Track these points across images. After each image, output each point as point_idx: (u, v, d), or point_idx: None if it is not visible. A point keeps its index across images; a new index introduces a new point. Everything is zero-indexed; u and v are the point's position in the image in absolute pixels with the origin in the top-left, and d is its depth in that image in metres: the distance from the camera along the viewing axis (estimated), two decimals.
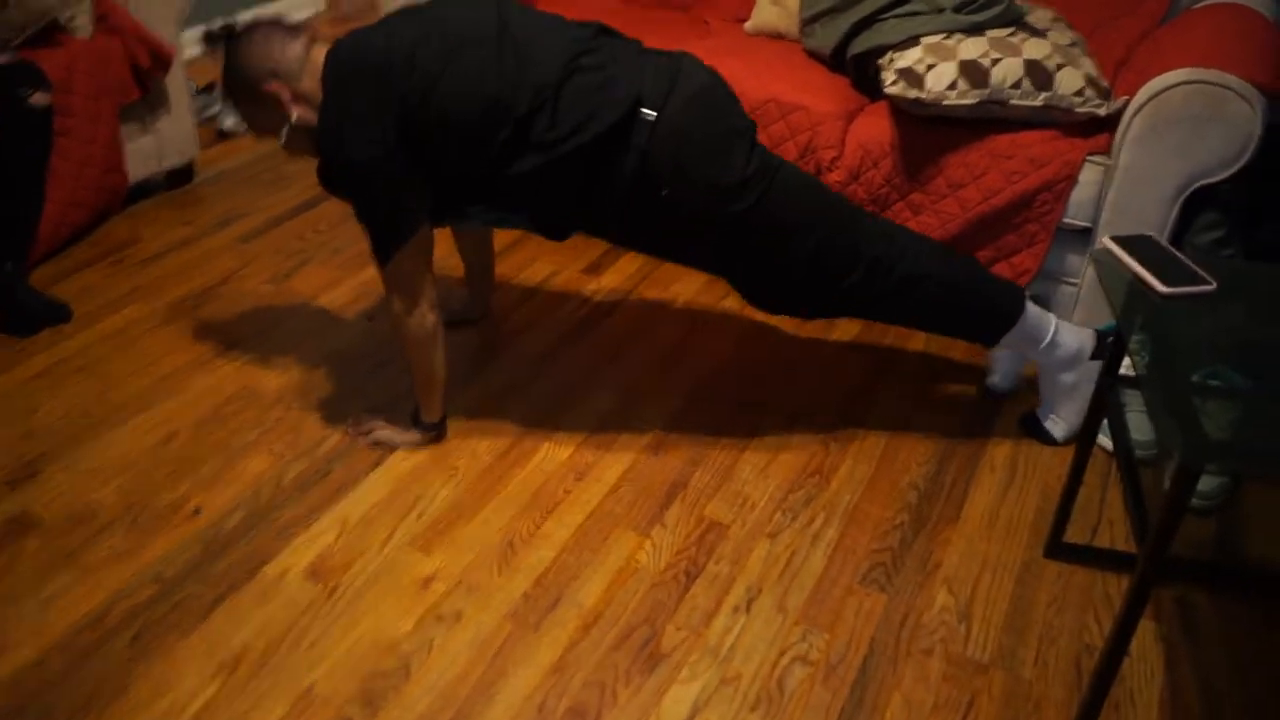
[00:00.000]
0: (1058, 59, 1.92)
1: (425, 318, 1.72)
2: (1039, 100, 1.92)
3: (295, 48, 1.65)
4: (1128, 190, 1.89)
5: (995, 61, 1.92)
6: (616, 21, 2.66)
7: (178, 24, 2.60)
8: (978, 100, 1.93)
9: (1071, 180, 1.93)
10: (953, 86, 1.93)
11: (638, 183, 1.61)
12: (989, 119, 1.98)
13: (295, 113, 1.65)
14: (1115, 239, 1.40)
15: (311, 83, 1.65)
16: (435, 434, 1.88)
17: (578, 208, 1.67)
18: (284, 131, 1.67)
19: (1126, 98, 1.91)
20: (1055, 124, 1.97)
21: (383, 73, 1.55)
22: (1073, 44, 1.99)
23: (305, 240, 2.56)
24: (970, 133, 2.00)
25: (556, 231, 1.75)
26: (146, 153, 2.61)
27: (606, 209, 1.66)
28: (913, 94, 1.94)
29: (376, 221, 1.63)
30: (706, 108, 1.61)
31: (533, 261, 2.48)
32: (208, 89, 3.23)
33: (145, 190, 2.75)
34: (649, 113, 1.58)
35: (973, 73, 1.92)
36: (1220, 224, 1.89)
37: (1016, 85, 1.92)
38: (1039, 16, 2.07)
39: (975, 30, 1.98)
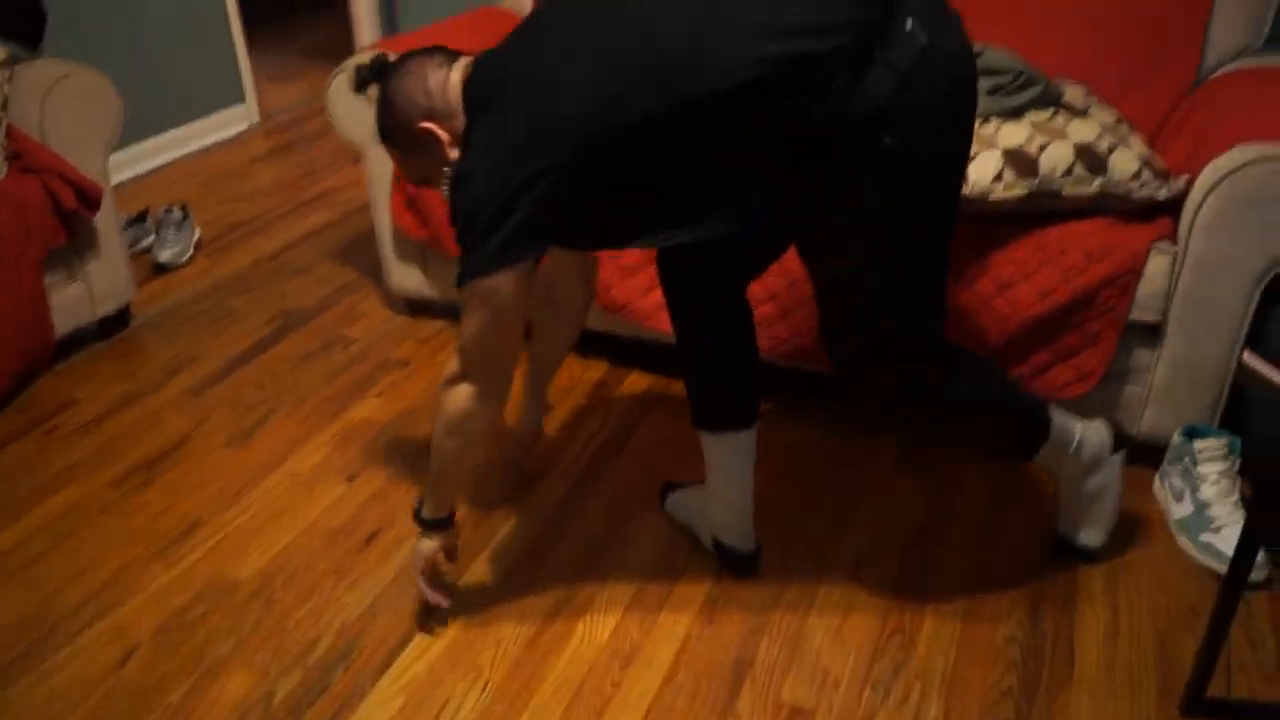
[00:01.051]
0: (1109, 140, 1.75)
1: (463, 394, 1.41)
2: (1094, 187, 1.74)
3: (448, 77, 1.39)
4: (1202, 280, 1.71)
5: (1043, 148, 1.74)
6: None
7: (106, 153, 2.32)
8: (1027, 192, 1.75)
9: (1137, 273, 1.74)
10: (999, 178, 1.74)
11: (872, 120, 1.24)
12: (1038, 211, 1.79)
13: (453, 155, 1.40)
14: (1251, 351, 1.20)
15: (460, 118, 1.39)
16: (440, 532, 1.56)
17: (782, 161, 1.30)
18: (446, 176, 1.40)
19: (1188, 177, 1.74)
20: (1110, 211, 1.79)
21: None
22: (1119, 121, 1.83)
23: (264, 389, 2.27)
24: (1016, 226, 1.81)
25: (745, 214, 1.35)
26: (75, 301, 2.31)
27: (819, 158, 1.29)
28: None
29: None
30: (967, 66, 1.31)
31: None
32: (139, 218, 2.94)
33: (76, 343, 2.43)
34: (918, 32, 1.23)
35: (1020, 162, 1.74)
36: None
37: (1068, 172, 1.74)
38: (1074, 94, 1.91)
39: (1014, 114, 1.80)
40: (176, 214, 2.87)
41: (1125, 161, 1.74)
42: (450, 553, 1.61)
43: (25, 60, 2.25)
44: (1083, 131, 1.76)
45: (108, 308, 2.41)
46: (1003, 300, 1.82)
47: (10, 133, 2.16)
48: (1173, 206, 1.78)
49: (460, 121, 1.38)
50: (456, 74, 1.40)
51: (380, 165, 2.33)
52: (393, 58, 1.47)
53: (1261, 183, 1.62)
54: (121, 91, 3.40)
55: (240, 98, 3.93)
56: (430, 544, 1.56)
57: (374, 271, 2.78)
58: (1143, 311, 1.78)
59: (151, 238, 2.93)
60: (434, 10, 3.17)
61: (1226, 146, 1.68)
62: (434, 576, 1.68)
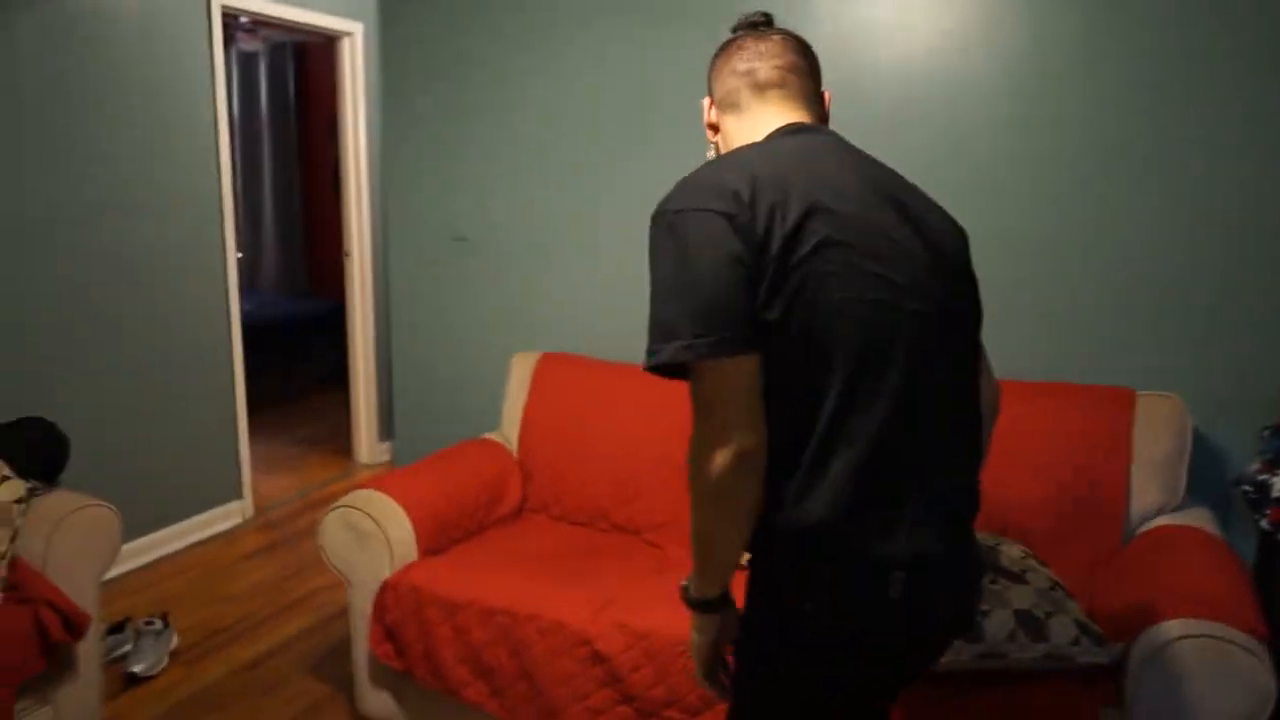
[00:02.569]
0: (1046, 606, 1.87)
1: (726, 455, 1.22)
2: (1038, 652, 1.84)
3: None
4: None
5: (985, 614, 1.85)
6: (569, 547, 2.58)
7: (98, 581, 2.42)
8: (975, 655, 1.84)
9: None
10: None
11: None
12: (989, 670, 1.87)
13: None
14: None
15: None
16: (711, 612, 1.36)
17: None
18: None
19: (1124, 645, 1.84)
20: (1059, 673, 1.87)
21: None
22: (1053, 587, 1.96)
23: None
24: (966, 689, 1.88)
25: None
26: None
27: None
28: None
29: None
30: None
31: None
32: (118, 627, 2.98)
33: None
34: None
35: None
36: None
37: (1011, 638, 1.84)
38: (1011, 554, 2.06)
39: None
40: (156, 624, 2.92)
41: (1063, 627, 1.84)
42: (726, 637, 1.39)
43: (43, 493, 2.41)
44: (1021, 598, 1.88)
45: None
46: None
47: (14, 563, 2.27)
48: (1120, 670, 1.86)
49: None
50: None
51: (361, 596, 2.43)
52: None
53: (1194, 657, 1.72)
54: (123, 492, 3.58)
55: (238, 494, 4.12)
56: (704, 632, 1.37)
57: (347, 685, 2.78)
58: None
59: (129, 646, 2.95)
60: (426, 424, 3.42)
61: (1154, 614, 1.80)
62: (714, 670, 1.43)
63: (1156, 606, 1.84)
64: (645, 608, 2.17)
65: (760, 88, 1.42)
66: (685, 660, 2.06)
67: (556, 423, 2.87)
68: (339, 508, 2.45)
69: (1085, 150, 2.48)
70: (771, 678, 1.34)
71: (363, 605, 2.43)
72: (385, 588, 2.37)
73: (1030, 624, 1.84)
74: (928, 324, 1.29)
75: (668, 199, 1.31)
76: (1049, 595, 1.91)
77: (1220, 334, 2.41)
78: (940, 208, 1.40)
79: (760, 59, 1.42)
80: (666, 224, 1.28)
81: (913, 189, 1.39)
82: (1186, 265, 2.42)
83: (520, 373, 2.99)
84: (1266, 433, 2.30)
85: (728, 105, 1.46)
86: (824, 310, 1.23)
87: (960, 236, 1.41)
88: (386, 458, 4.92)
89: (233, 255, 4.00)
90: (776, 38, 1.44)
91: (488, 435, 3.00)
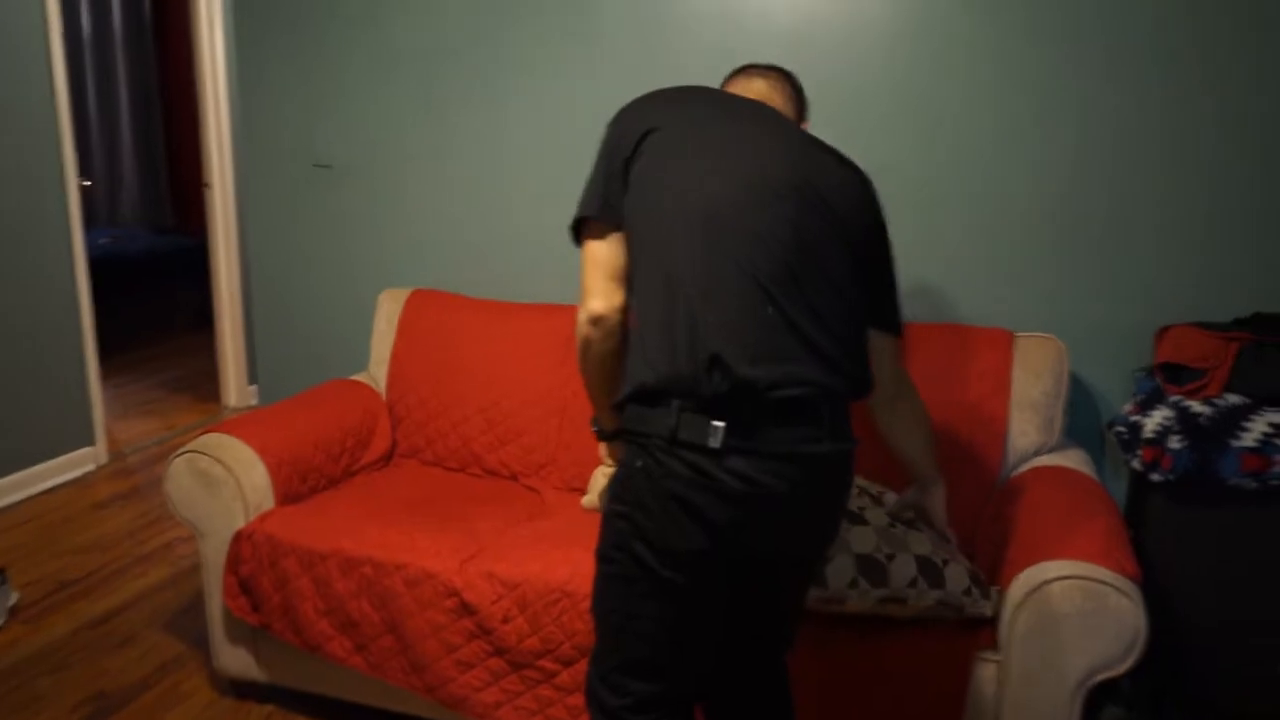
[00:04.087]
0: (942, 553, 1.84)
1: (583, 315, 1.52)
2: (932, 599, 1.81)
3: None
4: (1024, 690, 1.76)
5: (890, 557, 1.81)
6: (441, 493, 2.46)
7: None
8: (879, 599, 1.80)
9: (966, 687, 1.78)
10: (854, 584, 1.79)
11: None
12: (876, 615, 1.84)
13: None
14: None
15: None
16: (606, 440, 1.70)
17: None
18: None
19: (999, 589, 1.83)
20: (939, 622, 1.85)
21: None
22: (944, 536, 1.93)
23: None
24: (850, 638, 1.85)
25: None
26: None
27: None
28: (814, 592, 1.79)
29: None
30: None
31: None
32: None
33: None
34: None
35: (871, 570, 1.80)
36: (1126, 718, 1.76)
37: (913, 584, 1.80)
38: (890, 498, 2.03)
39: (858, 519, 1.89)
40: None
41: (958, 577, 1.82)
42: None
43: None
44: (919, 544, 1.84)
45: None
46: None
47: None
48: (995, 619, 1.85)
49: None
50: None
51: (214, 547, 2.26)
52: None
53: (1066, 599, 1.71)
54: None
55: (89, 439, 3.84)
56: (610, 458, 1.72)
57: (204, 642, 2.61)
58: None
59: None
60: (291, 365, 3.22)
61: (1028, 556, 1.79)
62: None
63: (1032, 548, 1.83)
64: (517, 556, 2.07)
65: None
66: (559, 609, 1.97)
67: (426, 363, 2.72)
68: (185, 453, 2.26)
69: (960, 85, 2.43)
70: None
71: (215, 557, 2.26)
72: (239, 538, 2.20)
73: (930, 570, 1.81)
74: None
75: None
76: (941, 544, 1.88)
77: (1094, 276, 2.42)
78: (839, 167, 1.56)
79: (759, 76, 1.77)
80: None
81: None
82: (1064, 206, 2.41)
83: (388, 310, 2.82)
84: (1140, 374, 2.33)
85: None
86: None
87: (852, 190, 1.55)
88: (255, 401, 4.67)
89: (74, 182, 3.67)
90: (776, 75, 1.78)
91: (356, 376, 2.83)
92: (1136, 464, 2.19)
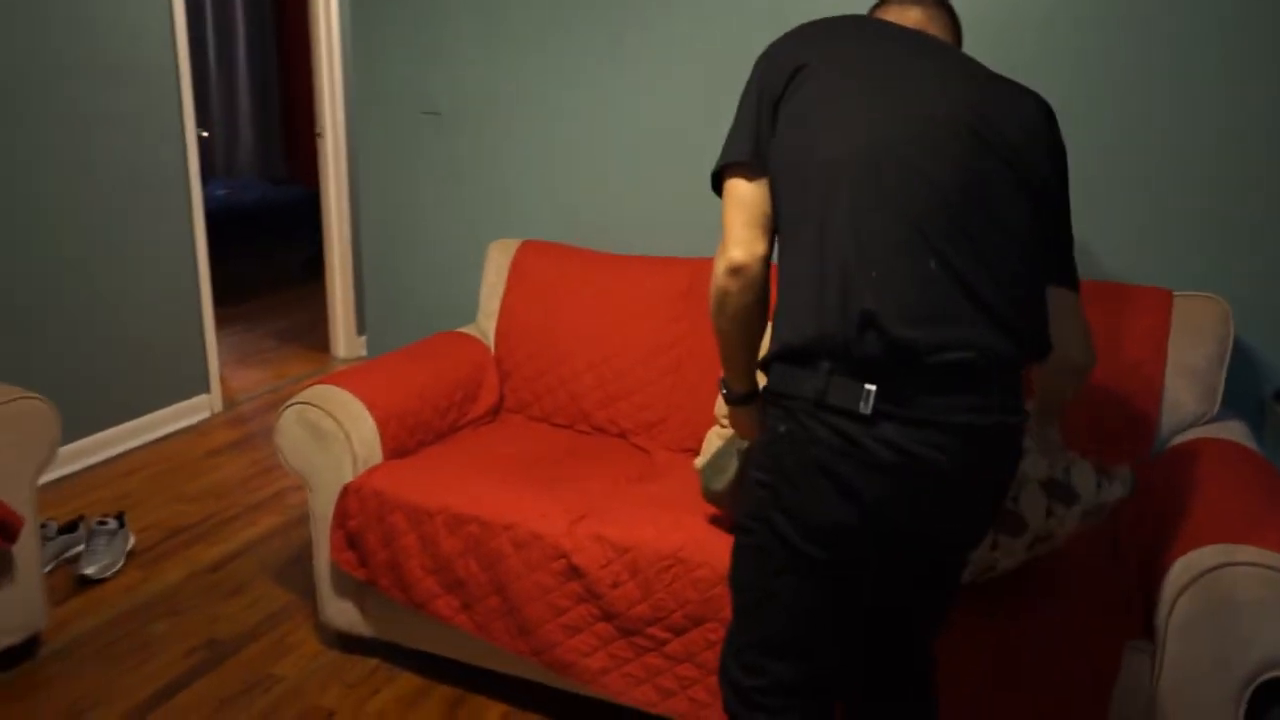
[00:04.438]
0: (1060, 463, 1.68)
1: (721, 265, 1.38)
2: (1077, 515, 1.67)
3: None
4: (1181, 687, 1.59)
5: (1014, 499, 1.65)
6: (548, 450, 2.39)
7: (35, 481, 2.22)
8: (1026, 546, 1.66)
9: (1113, 679, 1.62)
10: (994, 545, 1.66)
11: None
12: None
13: None
14: None
15: None
16: (741, 405, 1.56)
17: None
18: None
19: (1127, 467, 1.71)
20: (1080, 600, 1.69)
21: None
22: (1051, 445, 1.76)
23: None
24: (979, 627, 1.71)
25: None
26: None
27: None
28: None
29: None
30: None
31: None
32: (70, 527, 2.80)
33: None
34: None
35: (1003, 522, 1.65)
36: None
37: (1050, 513, 1.65)
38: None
39: None
40: (111, 524, 2.74)
41: (1084, 477, 1.67)
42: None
43: None
44: (1036, 469, 1.68)
45: (12, 638, 2.22)
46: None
47: None
48: (1144, 602, 1.69)
49: None
50: None
51: (323, 500, 2.24)
52: None
53: (1240, 587, 1.53)
54: (80, 386, 3.37)
55: (205, 388, 3.91)
56: (739, 425, 1.60)
57: (312, 594, 2.62)
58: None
59: (81, 546, 2.78)
60: (400, 317, 3.19)
61: (1193, 538, 1.61)
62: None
63: (1194, 529, 1.66)
64: (627, 519, 1.98)
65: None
66: (671, 575, 1.88)
67: (536, 316, 2.64)
68: (295, 404, 2.24)
69: (1132, 45, 2.20)
70: None
71: (324, 510, 2.25)
72: (346, 492, 2.17)
73: (1057, 490, 1.65)
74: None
75: None
76: (1052, 451, 1.71)
77: (1264, 236, 2.18)
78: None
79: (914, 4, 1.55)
80: None
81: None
82: (1231, 164, 2.17)
83: (498, 262, 2.75)
84: None
85: None
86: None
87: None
88: (364, 352, 4.71)
89: (193, 134, 3.70)
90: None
91: (463, 329, 2.78)
92: None
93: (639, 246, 2.73)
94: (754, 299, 1.38)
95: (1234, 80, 2.15)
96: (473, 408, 2.59)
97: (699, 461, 2.26)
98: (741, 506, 1.42)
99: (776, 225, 1.39)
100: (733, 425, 1.63)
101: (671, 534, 1.91)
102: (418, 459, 2.30)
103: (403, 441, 2.33)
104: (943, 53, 1.41)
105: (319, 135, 4.45)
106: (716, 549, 1.87)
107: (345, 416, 2.22)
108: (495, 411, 2.66)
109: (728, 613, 1.81)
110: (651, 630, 1.91)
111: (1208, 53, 2.16)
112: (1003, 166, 1.30)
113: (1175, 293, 2.15)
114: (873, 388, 1.24)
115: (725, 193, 1.40)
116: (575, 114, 2.79)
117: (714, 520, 1.98)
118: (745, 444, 1.78)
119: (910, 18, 1.52)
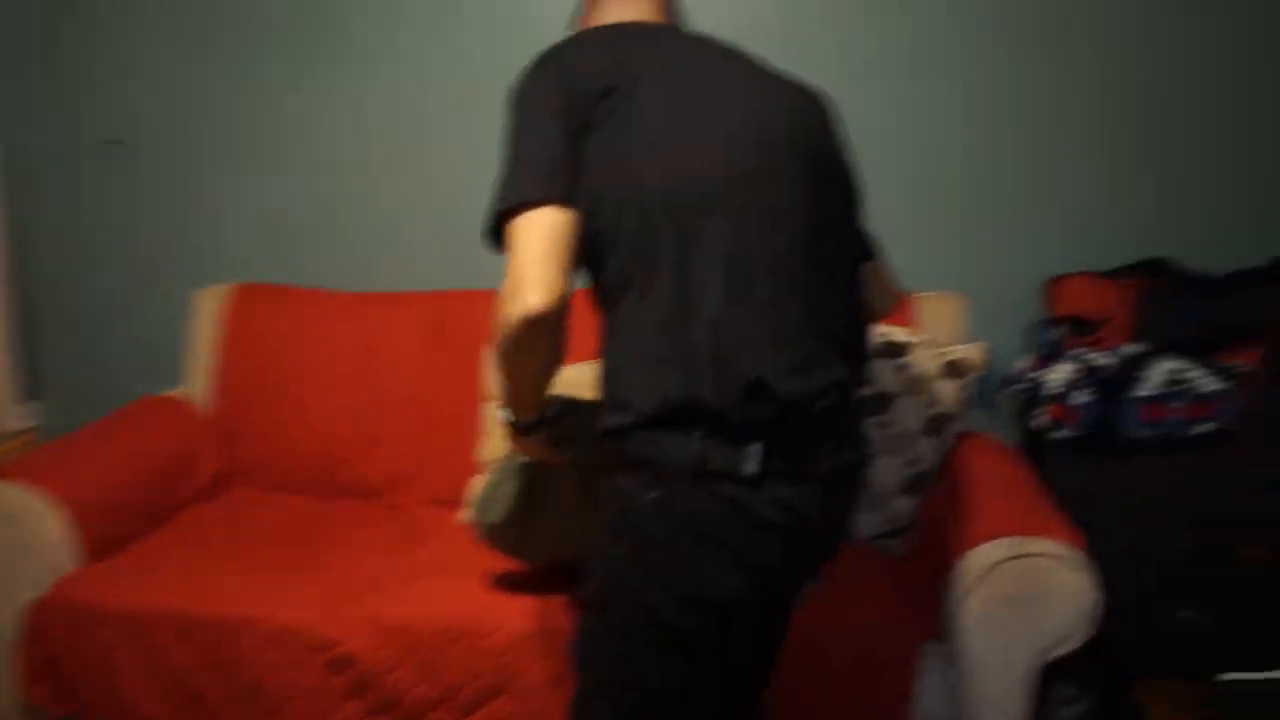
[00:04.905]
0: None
1: (515, 313, 1.15)
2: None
3: None
4: (978, 678, 1.62)
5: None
6: (289, 523, 2.11)
7: None
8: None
9: (913, 680, 1.63)
10: None
11: None
12: None
13: None
14: None
15: None
16: (531, 435, 1.40)
17: None
18: None
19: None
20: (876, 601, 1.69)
21: None
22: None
23: None
24: None
25: None
26: None
27: None
28: None
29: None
30: None
31: None
32: None
33: None
34: None
35: None
36: (1078, 697, 1.67)
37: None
38: None
39: None
40: None
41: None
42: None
43: None
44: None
45: None
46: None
47: None
48: (931, 600, 1.71)
49: None
50: None
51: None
52: None
53: (1019, 580, 1.58)
54: None
55: None
56: (532, 453, 1.48)
57: None
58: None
59: None
60: (86, 380, 2.72)
61: (969, 535, 1.66)
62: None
63: (970, 526, 1.70)
64: (397, 593, 1.77)
65: None
66: (458, 649, 1.69)
67: (261, 369, 2.33)
68: None
69: (847, 39, 2.28)
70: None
71: (3, 633, 1.83)
72: (37, 609, 1.78)
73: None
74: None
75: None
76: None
77: (982, 230, 2.34)
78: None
79: None
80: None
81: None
82: (952, 162, 2.32)
83: (208, 310, 2.39)
84: (1050, 328, 2.22)
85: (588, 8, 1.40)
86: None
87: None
88: (32, 423, 4.01)
89: None
90: None
91: (170, 393, 2.39)
92: (1041, 421, 2.12)
93: (376, 282, 2.47)
94: (552, 344, 1.21)
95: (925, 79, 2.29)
96: (187, 483, 2.23)
97: (466, 516, 2.08)
98: (591, 581, 1.26)
99: (595, 270, 1.23)
100: (524, 451, 1.48)
101: (451, 603, 1.73)
102: (127, 557, 1.94)
103: (106, 537, 1.95)
104: (731, 56, 1.32)
105: None
106: (506, 611, 1.71)
107: (28, 519, 1.82)
108: (217, 485, 2.31)
109: (530, 679, 1.66)
110: (437, 715, 1.70)
111: (913, 57, 2.27)
112: (822, 175, 1.25)
113: (914, 292, 2.23)
114: (758, 446, 1.14)
115: (517, 228, 1.17)
116: (289, 132, 2.48)
117: (499, 580, 1.80)
118: (520, 459, 1.62)
119: (639, 9, 1.37)
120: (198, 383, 2.38)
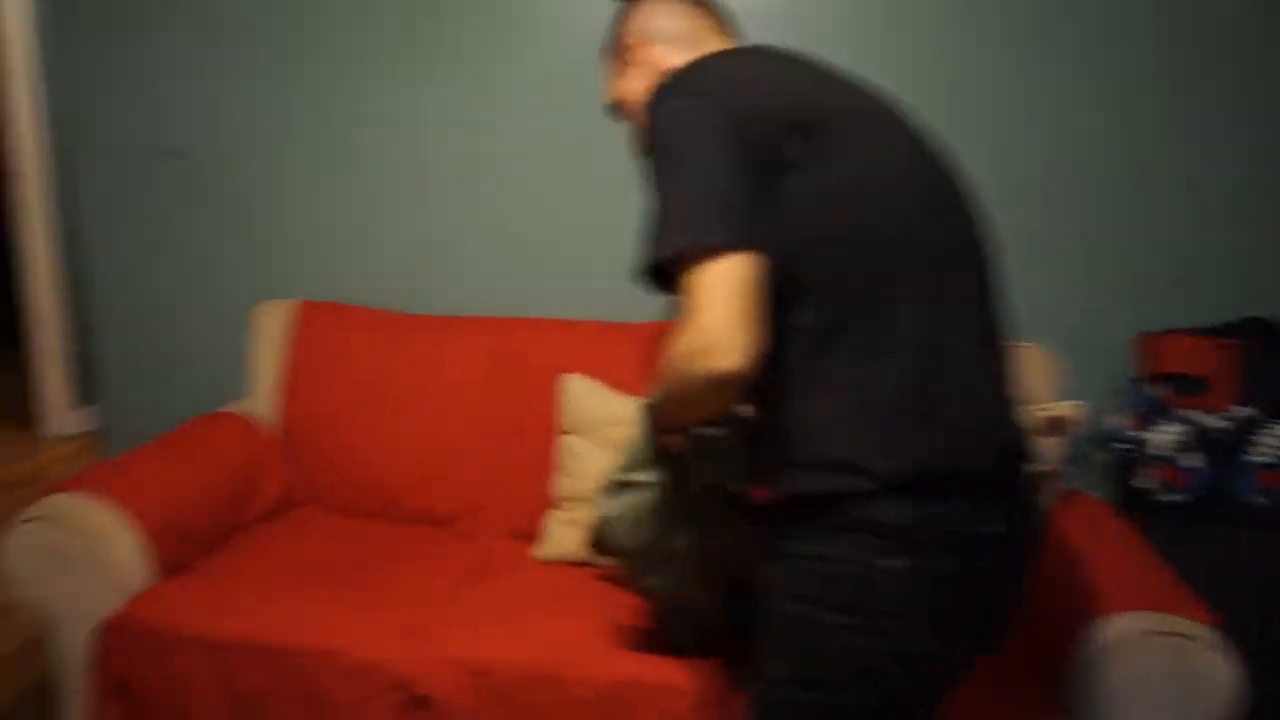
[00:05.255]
0: None
1: (702, 371, 1.06)
2: None
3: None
4: None
5: None
6: (358, 550, 2.03)
7: None
8: None
9: None
10: None
11: None
12: None
13: None
14: None
15: None
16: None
17: None
18: None
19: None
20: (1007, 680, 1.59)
21: None
22: None
23: None
24: None
25: None
26: None
27: None
28: None
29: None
30: None
31: None
32: None
33: None
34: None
35: None
36: None
37: None
38: None
39: None
40: None
41: None
42: None
43: None
44: None
45: None
46: None
47: None
48: (1046, 665, 1.61)
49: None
50: None
51: (71, 638, 1.75)
52: None
53: (1164, 656, 1.48)
54: None
55: None
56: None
57: None
58: None
59: None
60: (144, 391, 2.66)
61: (1096, 604, 1.56)
62: None
63: (1093, 596, 1.60)
64: (474, 630, 1.69)
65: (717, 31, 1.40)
66: (540, 696, 1.60)
67: (328, 390, 2.26)
68: (29, 521, 1.75)
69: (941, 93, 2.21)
70: None
71: (73, 650, 1.76)
72: (109, 628, 1.71)
73: None
74: None
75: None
76: None
77: (1070, 282, 2.26)
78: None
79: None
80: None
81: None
82: (1035, 211, 2.25)
83: (270, 327, 2.34)
84: (1148, 386, 2.13)
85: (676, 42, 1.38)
86: None
87: None
88: (88, 426, 3.97)
89: None
90: None
91: (228, 408, 2.33)
92: (1148, 483, 2.03)
93: (446, 304, 2.41)
94: (734, 395, 1.11)
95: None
96: (253, 502, 2.16)
97: (541, 552, 2.00)
98: (801, 652, 1.16)
99: (781, 316, 1.12)
100: (667, 446, 1.42)
101: (537, 645, 1.64)
102: (197, 577, 1.87)
103: (177, 554, 1.89)
104: (880, 93, 1.27)
105: (13, 175, 3.75)
106: (599, 657, 1.62)
107: (101, 534, 1.76)
108: (281, 505, 2.24)
109: None
110: None
111: (997, 101, 2.20)
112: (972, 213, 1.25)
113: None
114: (1003, 508, 1.14)
115: (704, 279, 1.05)
116: (357, 148, 2.44)
117: (586, 620, 1.72)
118: (648, 479, 1.47)
119: (734, 35, 1.43)
120: (262, 399, 2.32)
